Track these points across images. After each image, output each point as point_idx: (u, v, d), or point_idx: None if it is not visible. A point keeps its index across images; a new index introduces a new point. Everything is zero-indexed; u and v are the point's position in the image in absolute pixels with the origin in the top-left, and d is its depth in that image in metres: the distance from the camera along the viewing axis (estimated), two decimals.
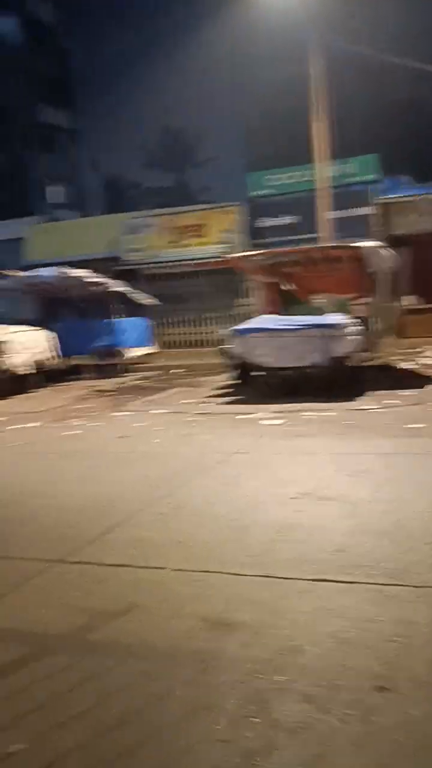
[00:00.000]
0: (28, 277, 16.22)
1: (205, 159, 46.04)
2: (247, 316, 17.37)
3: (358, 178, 18.79)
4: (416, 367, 13.16)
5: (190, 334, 20.10)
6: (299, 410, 9.00)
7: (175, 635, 2.99)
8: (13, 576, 3.87)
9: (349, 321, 10.98)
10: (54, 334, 15.25)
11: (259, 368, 10.86)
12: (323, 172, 15.88)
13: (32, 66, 41.47)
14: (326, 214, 16.02)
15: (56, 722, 2.38)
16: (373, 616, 3.08)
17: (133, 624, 3.13)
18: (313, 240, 15.53)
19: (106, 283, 15.94)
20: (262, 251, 13.32)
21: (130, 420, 9.62)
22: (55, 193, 42.07)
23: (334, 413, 8.74)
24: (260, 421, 8.50)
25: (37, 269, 16.18)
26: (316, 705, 2.41)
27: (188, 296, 20.14)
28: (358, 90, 28.51)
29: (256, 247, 16.40)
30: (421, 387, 10.60)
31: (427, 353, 14.65)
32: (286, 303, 13.69)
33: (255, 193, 19.63)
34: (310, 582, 3.50)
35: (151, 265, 20.19)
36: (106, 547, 4.28)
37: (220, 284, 19.59)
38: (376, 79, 28.39)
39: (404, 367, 13.24)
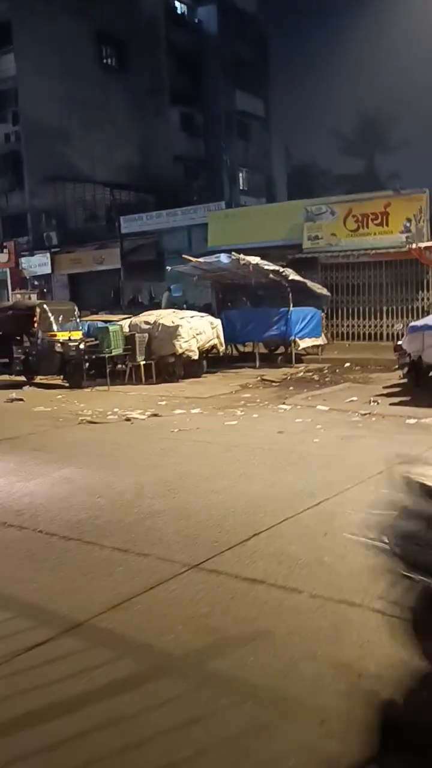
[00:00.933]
0: (206, 262, 16.41)
1: (397, 144, 44.10)
2: (428, 312, 16.33)
3: None
4: None
5: (366, 327, 19.24)
6: None
7: (300, 681, 2.66)
8: (146, 577, 3.75)
9: None
10: (218, 321, 15.30)
11: None
12: None
13: (230, 53, 42.02)
14: None
15: None
16: None
17: (257, 657, 2.84)
18: None
19: (280, 271, 15.67)
20: None
21: (292, 414, 9.32)
22: (244, 179, 42.56)
23: None
24: (430, 428, 7.81)
25: (214, 255, 16.30)
26: None
27: (366, 287, 19.27)
28: None
29: None
30: None
31: None
32: None
33: None
34: None
35: (330, 254, 19.58)
36: (246, 556, 4.03)
37: (401, 276, 18.53)
38: None
39: None
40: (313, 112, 43.59)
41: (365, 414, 8.92)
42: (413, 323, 10.78)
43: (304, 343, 16.42)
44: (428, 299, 18.04)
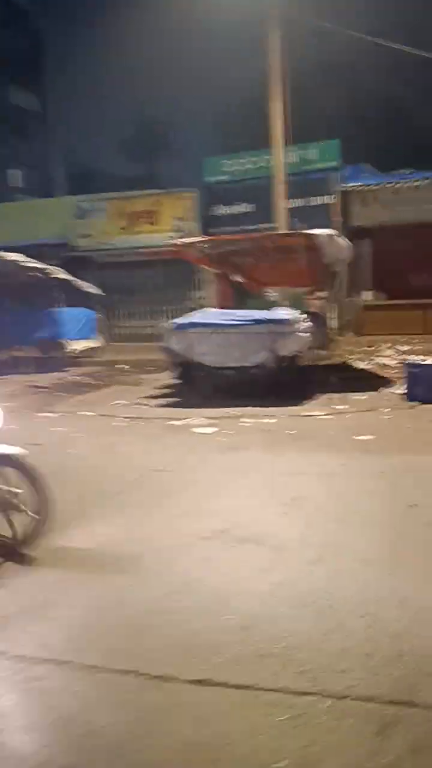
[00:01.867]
0: None
1: (170, 146, 44.85)
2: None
3: (318, 165, 17.73)
4: (373, 367, 12.30)
5: (142, 327, 18.96)
6: (238, 416, 8.04)
7: None
8: None
9: (299, 316, 9.98)
10: None
11: (201, 367, 9.84)
12: (280, 157, 14.82)
13: (2, 46, 39.69)
14: (283, 202, 15.00)
15: None
16: (278, 747, 2.14)
17: None
18: (270, 229, 14.48)
19: (45, 269, 14.72)
20: (206, 238, 12.29)
21: (52, 423, 8.58)
22: (15, 176, 40.47)
23: (277, 420, 7.81)
24: (193, 429, 7.53)
25: None
26: None
27: (141, 287, 18.99)
28: (321, 76, 27.44)
29: (209, 236, 15.34)
30: (376, 390, 9.73)
31: (386, 352, 13.79)
32: (239, 296, 12.70)
33: (211, 179, 18.53)
34: (192, 685, 2.53)
35: (102, 252, 19.00)
36: None
37: (174, 275, 18.48)
38: (339, 64, 27.33)
39: (360, 368, 12.36)
40: (94, 113, 42.63)
41: (128, 418, 8.45)
42: (176, 321, 10.50)
43: (78, 345, 15.65)
44: (200, 298, 18.19)
